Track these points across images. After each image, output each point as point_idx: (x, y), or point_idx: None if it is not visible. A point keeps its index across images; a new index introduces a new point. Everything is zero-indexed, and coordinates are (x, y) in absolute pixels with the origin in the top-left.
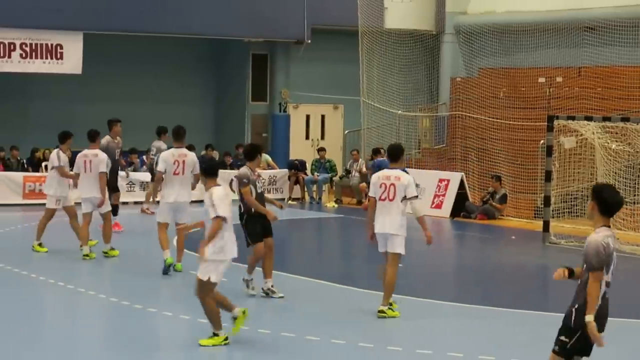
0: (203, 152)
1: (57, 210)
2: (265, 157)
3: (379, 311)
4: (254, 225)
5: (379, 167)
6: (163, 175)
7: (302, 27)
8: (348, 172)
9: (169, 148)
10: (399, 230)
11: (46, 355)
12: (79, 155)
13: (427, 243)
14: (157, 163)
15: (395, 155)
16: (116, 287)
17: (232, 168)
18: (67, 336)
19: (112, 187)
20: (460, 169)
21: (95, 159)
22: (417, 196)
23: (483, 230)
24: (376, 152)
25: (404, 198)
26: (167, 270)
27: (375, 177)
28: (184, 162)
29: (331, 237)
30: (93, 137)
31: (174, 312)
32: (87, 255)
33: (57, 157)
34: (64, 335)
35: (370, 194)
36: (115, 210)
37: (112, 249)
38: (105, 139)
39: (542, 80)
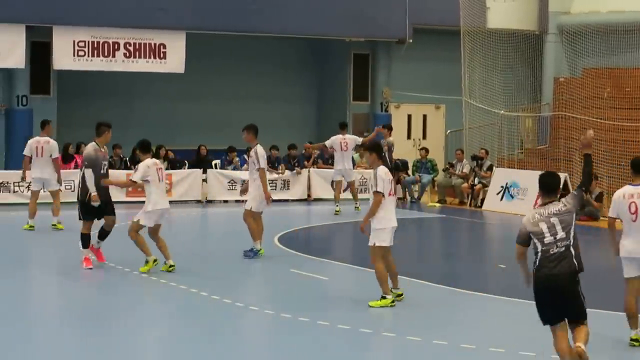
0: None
1: None
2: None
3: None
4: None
5: None
6: None
7: (404, 27)
8: (451, 165)
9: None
10: None
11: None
12: (31, 141)
13: None
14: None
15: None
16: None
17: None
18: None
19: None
20: (563, 169)
21: (47, 145)
22: None
23: (585, 232)
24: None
25: None
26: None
27: (619, 196)
28: None
29: (438, 238)
30: (43, 126)
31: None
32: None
33: None
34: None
35: (611, 214)
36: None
37: (60, 222)
38: (92, 147)
39: None
